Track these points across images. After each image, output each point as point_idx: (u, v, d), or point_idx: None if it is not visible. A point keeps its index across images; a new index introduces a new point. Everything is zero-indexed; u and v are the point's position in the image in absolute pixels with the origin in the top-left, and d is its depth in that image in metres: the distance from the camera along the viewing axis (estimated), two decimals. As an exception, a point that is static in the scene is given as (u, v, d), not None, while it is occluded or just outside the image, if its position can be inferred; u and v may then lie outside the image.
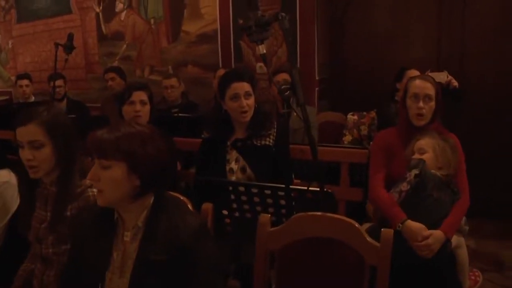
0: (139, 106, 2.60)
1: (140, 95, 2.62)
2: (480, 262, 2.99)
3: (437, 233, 1.99)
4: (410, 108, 2.26)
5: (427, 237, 1.94)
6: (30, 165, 1.70)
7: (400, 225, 2.01)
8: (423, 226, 1.98)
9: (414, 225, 1.99)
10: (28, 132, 1.69)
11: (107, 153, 1.35)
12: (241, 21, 4.31)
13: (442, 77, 3.11)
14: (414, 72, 3.28)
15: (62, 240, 1.72)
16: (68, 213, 1.71)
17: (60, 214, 1.71)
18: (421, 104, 2.22)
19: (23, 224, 1.84)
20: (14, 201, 2.04)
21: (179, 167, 3.37)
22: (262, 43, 1.55)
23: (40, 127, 1.69)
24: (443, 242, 2.00)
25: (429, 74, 3.11)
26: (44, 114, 1.72)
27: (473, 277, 2.68)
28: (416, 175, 2.02)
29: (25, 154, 1.69)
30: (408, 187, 2.03)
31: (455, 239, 2.16)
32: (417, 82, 2.29)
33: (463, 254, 2.23)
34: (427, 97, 2.23)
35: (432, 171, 2.06)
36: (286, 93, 1.55)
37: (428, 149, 2.11)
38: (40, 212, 1.81)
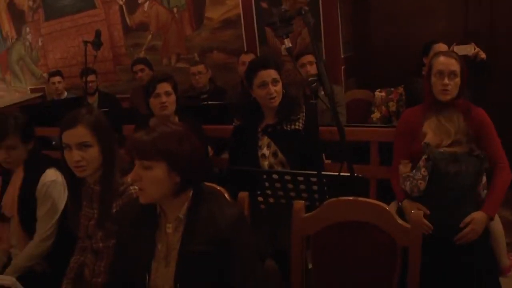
0: (164, 98, 2.65)
1: (164, 87, 2.66)
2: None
3: (478, 215, 1.99)
4: (435, 85, 2.25)
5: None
6: (78, 165, 1.79)
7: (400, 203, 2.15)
8: (417, 205, 2.07)
9: (409, 204, 2.12)
10: (76, 134, 1.77)
11: (147, 154, 1.43)
12: (263, 4, 4.30)
13: (469, 49, 3.05)
14: (441, 46, 3.22)
15: (110, 235, 1.81)
16: (114, 210, 1.80)
17: (107, 212, 1.81)
18: (446, 81, 2.21)
19: (72, 222, 1.95)
20: (62, 199, 2.15)
21: (211, 153, 3.47)
22: (287, 37, 1.59)
23: (87, 129, 1.78)
24: (487, 222, 2.01)
25: (455, 47, 3.06)
26: (88, 116, 1.80)
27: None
28: (426, 159, 2.04)
29: (73, 156, 1.77)
30: (426, 172, 2.04)
31: None
32: (442, 58, 2.27)
33: (497, 227, 2.17)
34: (452, 74, 2.21)
35: (440, 149, 2.06)
36: (314, 85, 1.59)
37: (427, 130, 2.14)
38: (87, 210, 1.91)
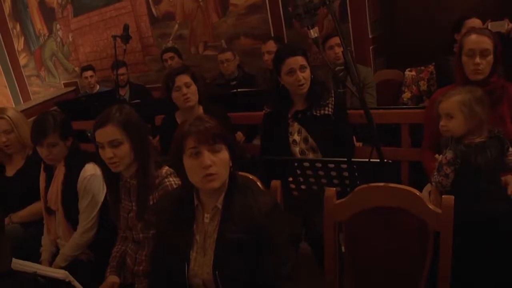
0: (185, 89, 2.68)
1: (183, 79, 2.68)
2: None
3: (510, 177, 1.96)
4: (466, 64, 2.17)
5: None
6: (111, 162, 1.87)
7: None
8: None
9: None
10: (106, 133, 1.84)
11: (216, 138, 1.50)
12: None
13: (502, 25, 2.95)
14: (474, 21, 3.11)
15: (149, 226, 1.90)
16: (151, 202, 1.88)
17: (144, 204, 1.89)
18: (477, 60, 2.13)
19: (113, 214, 2.04)
20: (101, 192, 2.24)
21: (243, 139, 3.52)
22: (313, 27, 1.60)
23: (116, 127, 1.85)
24: None
25: (489, 23, 2.97)
26: (117, 115, 1.87)
27: None
28: (453, 158, 1.92)
29: (106, 153, 1.85)
30: (450, 170, 1.94)
31: None
32: (473, 36, 2.18)
33: None
34: (484, 52, 2.13)
35: (466, 141, 1.93)
36: (341, 74, 1.60)
37: (455, 112, 1.94)
38: (126, 203, 1.99)
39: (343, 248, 1.87)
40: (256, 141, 3.51)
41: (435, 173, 2.00)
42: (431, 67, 3.46)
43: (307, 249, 2.39)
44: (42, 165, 2.41)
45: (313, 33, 1.62)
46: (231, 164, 1.54)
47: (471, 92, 1.97)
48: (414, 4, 4.13)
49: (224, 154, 1.51)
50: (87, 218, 2.24)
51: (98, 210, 2.26)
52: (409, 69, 3.60)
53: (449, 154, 1.94)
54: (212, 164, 1.48)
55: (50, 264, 2.28)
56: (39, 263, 2.28)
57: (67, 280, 1.56)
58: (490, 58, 2.15)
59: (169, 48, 4.76)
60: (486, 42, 2.15)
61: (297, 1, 1.61)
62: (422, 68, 3.53)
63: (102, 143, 1.86)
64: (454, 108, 1.94)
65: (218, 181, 1.51)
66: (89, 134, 4.12)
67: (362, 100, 1.55)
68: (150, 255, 1.86)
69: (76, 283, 1.58)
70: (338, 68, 1.59)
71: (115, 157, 1.85)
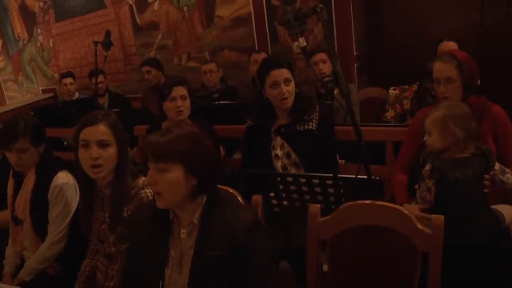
0: (180, 102, 2.62)
1: (180, 91, 2.64)
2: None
3: None
4: (436, 90, 2.16)
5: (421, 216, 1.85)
6: (96, 164, 1.77)
7: None
8: (416, 207, 1.94)
9: (409, 207, 1.95)
10: (98, 132, 1.77)
11: (163, 156, 1.40)
12: (274, 1, 4.26)
13: None
14: (448, 45, 3.15)
15: (122, 239, 1.81)
16: (125, 214, 1.79)
17: (118, 216, 1.80)
18: (441, 88, 2.11)
19: (84, 225, 1.94)
20: (74, 201, 2.14)
21: (223, 153, 3.44)
22: (301, 35, 1.55)
23: (108, 128, 1.79)
24: None
25: None
26: (108, 117, 1.81)
27: None
28: (431, 170, 1.92)
29: (91, 153, 1.76)
30: (431, 182, 1.92)
31: (506, 212, 2.00)
32: (437, 64, 2.16)
33: None
34: (448, 80, 2.10)
35: (444, 156, 1.92)
36: (330, 85, 1.55)
37: (431, 129, 1.95)
38: (99, 213, 1.90)
39: (325, 267, 1.80)
40: (237, 155, 3.44)
41: (418, 189, 1.98)
42: (415, 87, 3.48)
43: (287, 268, 2.32)
44: (11, 172, 2.30)
45: (302, 41, 1.57)
46: (195, 182, 1.43)
47: (449, 108, 1.95)
48: (399, 24, 4.20)
49: (172, 175, 1.40)
50: (57, 229, 2.13)
51: (69, 221, 2.15)
52: (393, 87, 3.62)
53: (427, 166, 1.94)
54: (153, 183, 1.41)
55: (13, 277, 2.16)
56: (1, 276, 2.16)
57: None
58: (457, 84, 2.11)
59: (146, 61, 4.68)
60: (450, 70, 2.11)
61: (287, 8, 1.56)
62: (406, 87, 3.55)
63: (89, 141, 1.77)
64: (430, 125, 1.96)
65: (161, 202, 1.44)
66: (65, 143, 4.01)
67: (350, 112, 1.50)
68: (122, 270, 1.77)
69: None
70: (327, 79, 1.53)
71: (100, 158, 1.77)
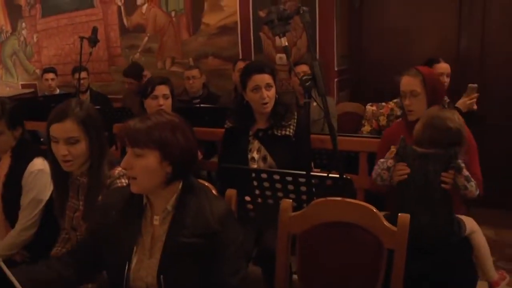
0: (162, 100, 2.67)
1: (162, 89, 2.69)
2: (499, 253, 2.98)
3: None
4: (403, 103, 2.29)
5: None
6: (65, 159, 1.77)
7: None
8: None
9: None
10: (64, 129, 1.76)
11: (140, 141, 1.41)
12: (261, 13, 4.34)
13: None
14: (442, 66, 3.25)
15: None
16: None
17: (92, 204, 1.78)
18: (407, 101, 2.23)
19: (58, 212, 1.93)
20: (47, 189, 2.11)
21: (200, 156, 3.45)
22: (284, 35, 1.61)
23: (76, 124, 1.77)
24: None
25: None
26: (78, 110, 1.78)
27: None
28: (396, 154, 2.06)
29: (60, 150, 1.76)
30: (392, 163, 2.06)
31: (469, 223, 2.09)
32: (403, 79, 2.29)
33: (480, 240, 2.10)
34: (413, 93, 2.22)
35: (413, 146, 2.04)
36: (308, 83, 1.60)
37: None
38: (73, 201, 1.89)
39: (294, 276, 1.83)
40: (215, 159, 3.46)
41: (379, 165, 2.10)
42: (392, 104, 3.55)
43: (257, 271, 2.33)
44: (-15, 155, 2.26)
45: (284, 41, 1.63)
46: (170, 170, 1.45)
47: (429, 114, 2.07)
48: (379, 44, 4.33)
49: (148, 160, 1.42)
50: (28, 215, 2.10)
51: (41, 209, 2.12)
52: (370, 103, 3.69)
53: (392, 148, 2.07)
54: (128, 168, 1.43)
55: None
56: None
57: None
58: (421, 97, 2.23)
59: (129, 73, 4.72)
60: (415, 84, 2.23)
61: (271, 8, 1.62)
62: (383, 104, 3.62)
63: (57, 138, 1.76)
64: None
65: (135, 187, 1.45)
66: (42, 139, 3.95)
67: (326, 111, 1.55)
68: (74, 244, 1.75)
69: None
70: (305, 77, 1.58)
71: (69, 155, 1.77)
